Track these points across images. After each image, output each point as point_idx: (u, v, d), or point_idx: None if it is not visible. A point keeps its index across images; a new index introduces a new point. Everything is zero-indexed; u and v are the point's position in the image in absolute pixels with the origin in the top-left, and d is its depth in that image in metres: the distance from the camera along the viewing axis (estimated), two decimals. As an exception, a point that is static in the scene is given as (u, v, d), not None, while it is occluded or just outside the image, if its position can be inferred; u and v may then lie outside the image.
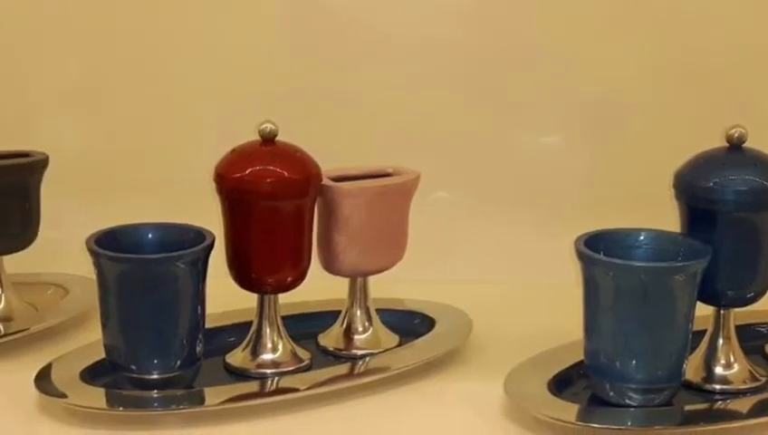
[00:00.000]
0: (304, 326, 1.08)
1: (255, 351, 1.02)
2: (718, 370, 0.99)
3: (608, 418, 0.92)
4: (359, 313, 1.07)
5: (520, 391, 0.96)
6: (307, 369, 1.02)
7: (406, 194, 1.06)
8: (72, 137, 1.28)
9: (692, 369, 0.98)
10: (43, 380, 0.97)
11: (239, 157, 0.99)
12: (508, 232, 1.27)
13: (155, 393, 0.95)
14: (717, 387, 0.98)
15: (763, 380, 0.99)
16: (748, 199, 0.95)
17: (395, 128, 1.27)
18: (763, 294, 0.99)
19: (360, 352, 1.05)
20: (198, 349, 0.97)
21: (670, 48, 1.26)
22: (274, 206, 0.98)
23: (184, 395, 0.96)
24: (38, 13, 1.29)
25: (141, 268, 0.94)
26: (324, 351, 1.06)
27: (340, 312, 1.08)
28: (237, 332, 1.05)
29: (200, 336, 0.97)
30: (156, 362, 0.95)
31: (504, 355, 1.02)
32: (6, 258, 1.13)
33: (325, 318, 1.09)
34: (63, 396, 0.95)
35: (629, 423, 0.92)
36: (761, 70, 1.26)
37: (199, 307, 0.97)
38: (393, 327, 1.09)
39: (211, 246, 0.97)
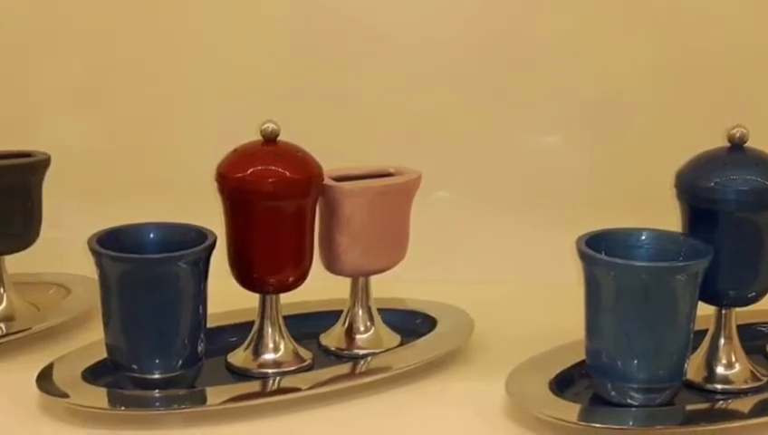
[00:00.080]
0: (306, 326, 1.08)
1: (257, 350, 1.02)
2: (719, 369, 0.99)
3: (609, 417, 0.92)
4: (360, 312, 1.07)
5: (521, 391, 0.96)
6: (309, 369, 1.02)
7: (407, 194, 1.06)
8: (73, 137, 1.28)
9: (693, 369, 0.98)
10: (45, 379, 0.97)
11: (241, 157, 0.99)
12: (509, 232, 1.27)
13: (157, 393, 0.95)
14: (719, 387, 0.98)
15: (765, 379, 0.99)
16: (749, 199, 0.95)
17: (396, 128, 1.27)
18: (764, 293, 0.99)
19: (361, 352, 1.05)
20: (200, 349, 0.97)
21: (671, 48, 1.26)
22: (276, 206, 0.98)
23: (186, 395, 0.96)
24: (39, 13, 1.29)
25: (143, 268, 0.94)
26: (326, 350, 1.06)
27: (341, 312, 1.08)
28: (239, 331, 1.05)
29: (202, 336, 0.97)
30: (157, 361, 0.95)
31: (505, 355, 1.02)
32: (8, 258, 1.13)
33: (327, 318, 1.09)
34: (65, 396, 0.95)
35: (631, 423, 0.92)
36: (762, 69, 1.26)
37: (201, 307, 0.97)
38: (395, 327, 1.09)
39: (213, 246, 0.97)
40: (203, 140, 1.26)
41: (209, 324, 0.99)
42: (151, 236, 1.00)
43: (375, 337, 1.07)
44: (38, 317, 1.11)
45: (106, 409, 0.94)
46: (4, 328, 1.09)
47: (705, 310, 0.98)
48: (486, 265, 1.26)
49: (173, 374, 0.96)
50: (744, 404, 0.96)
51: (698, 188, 0.96)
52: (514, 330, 1.11)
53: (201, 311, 0.97)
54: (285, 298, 1.03)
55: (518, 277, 1.22)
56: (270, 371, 1.01)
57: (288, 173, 0.98)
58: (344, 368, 1.02)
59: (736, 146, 0.98)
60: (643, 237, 0.98)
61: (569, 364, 1.00)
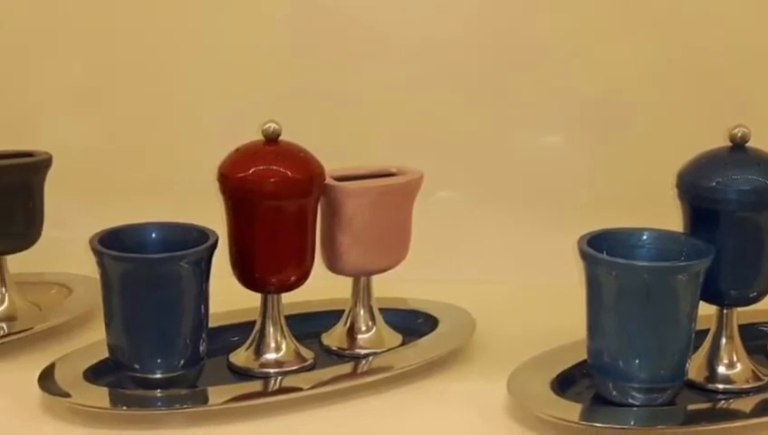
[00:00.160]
0: (308, 326, 1.08)
1: (259, 350, 1.02)
2: (721, 369, 0.99)
3: (611, 417, 0.92)
4: (362, 312, 1.07)
5: (523, 391, 0.96)
6: (310, 368, 1.02)
7: (409, 194, 1.06)
8: (75, 136, 1.28)
9: (695, 368, 0.98)
10: (47, 379, 0.97)
11: (243, 156, 0.99)
12: (511, 231, 1.27)
13: (158, 393, 0.95)
14: (720, 386, 0.98)
15: (766, 379, 0.99)
16: (751, 199, 0.95)
17: (398, 128, 1.27)
18: (765, 293, 0.99)
19: (363, 352, 1.05)
20: (202, 348, 0.97)
21: (672, 48, 1.26)
22: (278, 205, 0.98)
23: (187, 394, 0.96)
24: (41, 13, 1.29)
25: (145, 268, 0.94)
26: (327, 350, 1.06)
27: (343, 311, 1.08)
28: (241, 331, 1.05)
29: (204, 336, 0.97)
30: (159, 361, 0.96)
31: (507, 355, 1.02)
32: (10, 258, 1.13)
33: (328, 317, 1.10)
34: (67, 395, 0.95)
35: (632, 423, 0.92)
36: (763, 69, 1.26)
37: (203, 307, 0.97)
38: (396, 326, 1.09)
39: (214, 246, 0.97)
40: (204, 139, 1.26)
41: (211, 324, 0.99)
42: (153, 235, 1.00)
43: (376, 337, 1.07)
44: (40, 317, 1.11)
45: (108, 408, 0.94)
46: (5, 328, 1.09)
47: (706, 310, 0.98)
48: (488, 264, 1.26)
49: (175, 374, 0.96)
50: (746, 404, 0.96)
51: (700, 188, 0.97)
52: (516, 329, 1.11)
53: (203, 311, 0.97)
54: (287, 298, 1.04)
55: (520, 277, 1.22)
56: (271, 370, 1.01)
57: (290, 173, 0.98)
58: (346, 368, 1.02)
59: (738, 146, 0.98)
60: (645, 237, 0.98)
61: (570, 364, 1.00)
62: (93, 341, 1.02)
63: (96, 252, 0.95)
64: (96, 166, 1.29)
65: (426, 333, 1.09)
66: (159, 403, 0.95)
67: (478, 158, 1.29)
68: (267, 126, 1.00)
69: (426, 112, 1.28)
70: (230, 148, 1.00)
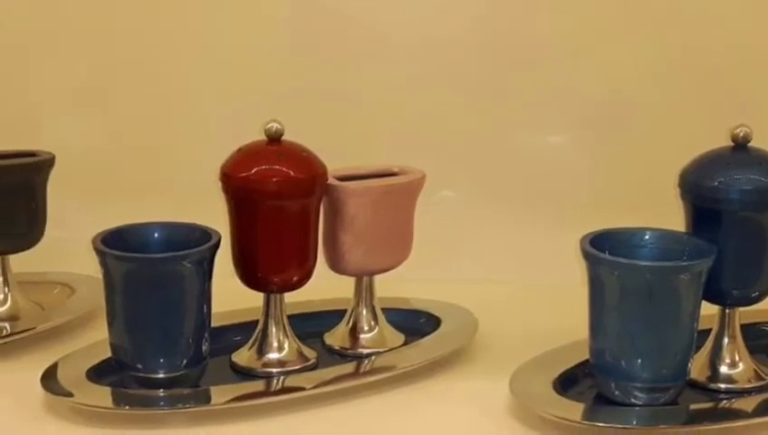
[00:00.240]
0: (310, 325, 1.08)
1: (261, 350, 1.02)
2: (723, 369, 0.99)
3: (613, 417, 0.92)
4: (364, 312, 1.07)
5: (525, 390, 0.96)
6: (313, 368, 1.02)
7: (411, 193, 1.06)
8: (77, 136, 1.28)
9: (697, 368, 0.98)
10: (50, 379, 0.97)
11: (245, 156, 0.99)
12: (513, 231, 1.27)
13: (161, 392, 0.95)
14: (722, 386, 0.98)
15: (768, 379, 0.99)
16: (753, 199, 0.95)
17: (401, 127, 1.28)
18: (767, 293, 0.99)
19: (365, 351, 1.05)
20: (204, 348, 0.98)
21: (674, 48, 1.26)
22: (280, 205, 0.98)
23: (190, 394, 0.96)
24: (43, 13, 1.29)
25: (147, 267, 0.94)
26: (330, 350, 1.06)
27: (345, 311, 1.08)
28: (243, 331, 1.06)
29: (206, 335, 0.97)
30: (162, 361, 0.96)
31: (509, 354, 1.02)
32: (13, 257, 1.13)
33: (331, 317, 1.10)
34: (69, 395, 0.95)
35: (635, 422, 0.92)
36: (765, 69, 1.26)
37: (205, 306, 0.97)
38: (399, 326, 1.09)
39: (217, 246, 0.97)
40: (206, 139, 1.26)
41: (213, 324, 0.99)
42: (155, 235, 1.00)
43: (379, 336, 1.07)
44: (42, 317, 1.11)
45: (110, 408, 0.94)
46: (8, 327, 1.09)
47: (708, 309, 0.98)
48: (490, 264, 1.26)
49: (177, 374, 0.96)
50: (748, 403, 0.96)
51: (702, 188, 0.97)
52: (518, 329, 1.11)
53: (205, 310, 0.97)
54: (289, 297, 1.04)
55: (522, 277, 1.22)
56: (274, 370, 1.01)
57: (292, 173, 0.98)
58: (348, 367, 1.02)
59: (740, 145, 0.98)
60: (647, 237, 0.98)
61: (572, 364, 1.00)
62: (96, 340, 1.02)
63: (99, 252, 0.95)
64: (98, 166, 1.29)
65: (428, 333, 1.09)
66: (162, 403, 0.95)
67: (480, 157, 1.29)
68: (270, 126, 1.00)
69: (427, 112, 1.28)
70: (232, 147, 1.00)
